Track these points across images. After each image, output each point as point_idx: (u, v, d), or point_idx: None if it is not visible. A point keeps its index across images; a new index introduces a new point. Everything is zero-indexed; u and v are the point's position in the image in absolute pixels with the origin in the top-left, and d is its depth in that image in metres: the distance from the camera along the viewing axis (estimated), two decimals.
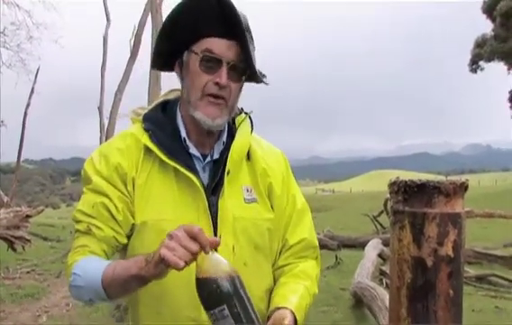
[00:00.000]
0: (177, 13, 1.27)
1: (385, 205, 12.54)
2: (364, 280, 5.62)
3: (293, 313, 1.26)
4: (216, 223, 1.30)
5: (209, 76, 1.27)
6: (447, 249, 0.84)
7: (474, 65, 33.40)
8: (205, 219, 1.29)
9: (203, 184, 1.31)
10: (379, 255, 8.29)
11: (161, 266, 1.07)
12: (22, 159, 15.57)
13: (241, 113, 1.42)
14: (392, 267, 0.90)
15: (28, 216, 7.67)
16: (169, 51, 1.34)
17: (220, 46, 1.26)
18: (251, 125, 1.41)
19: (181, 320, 1.28)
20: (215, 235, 1.28)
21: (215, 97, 1.28)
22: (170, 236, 1.06)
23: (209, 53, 1.26)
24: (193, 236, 1.05)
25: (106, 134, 18.02)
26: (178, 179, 1.30)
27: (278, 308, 1.27)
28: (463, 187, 0.86)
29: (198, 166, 1.34)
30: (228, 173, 1.31)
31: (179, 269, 1.04)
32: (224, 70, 1.26)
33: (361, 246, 10.25)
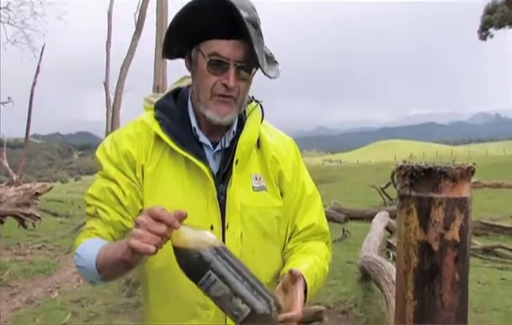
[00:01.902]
0: (182, 16, 1.24)
1: (392, 177, 12.51)
2: (371, 254, 5.65)
3: (303, 277, 1.24)
4: (225, 211, 1.31)
5: (217, 77, 1.26)
6: (453, 234, 0.84)
7: (484, 32, 32.78)
8: (213, 207, 1.30)
9: (212, 173, 1.31)
10: (387, 228, 8.29)
11: (136, 255, 1.08)
12: (29, 134, 15.64)
13: (251, 101, 1.41)
14: (399, 251, 0.90)
15: (37, 193, 7.75)
16: (178, 48, 1.33)
17: (226, 48, 1.24)
18: (262, 114, 1.40)
19: (189, 304, 1.30)
20: (223, 223, 1.30)
21: (224, 96, 1.27)
22: (137, 224, 1.06)
23: (216, 56, 1.24)
24: (157, 218, 1.05)
25: (112, 109, 18.04)
26: (188, 167, 1.31)
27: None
28: (470, 171, 0.86)
29: (208, 154, 1.34)
30: (237, 162, 1.32)
31: (152, 254, 1.04)
32: (231, 72, 1.24)
33: (367, 218, 10.26)
